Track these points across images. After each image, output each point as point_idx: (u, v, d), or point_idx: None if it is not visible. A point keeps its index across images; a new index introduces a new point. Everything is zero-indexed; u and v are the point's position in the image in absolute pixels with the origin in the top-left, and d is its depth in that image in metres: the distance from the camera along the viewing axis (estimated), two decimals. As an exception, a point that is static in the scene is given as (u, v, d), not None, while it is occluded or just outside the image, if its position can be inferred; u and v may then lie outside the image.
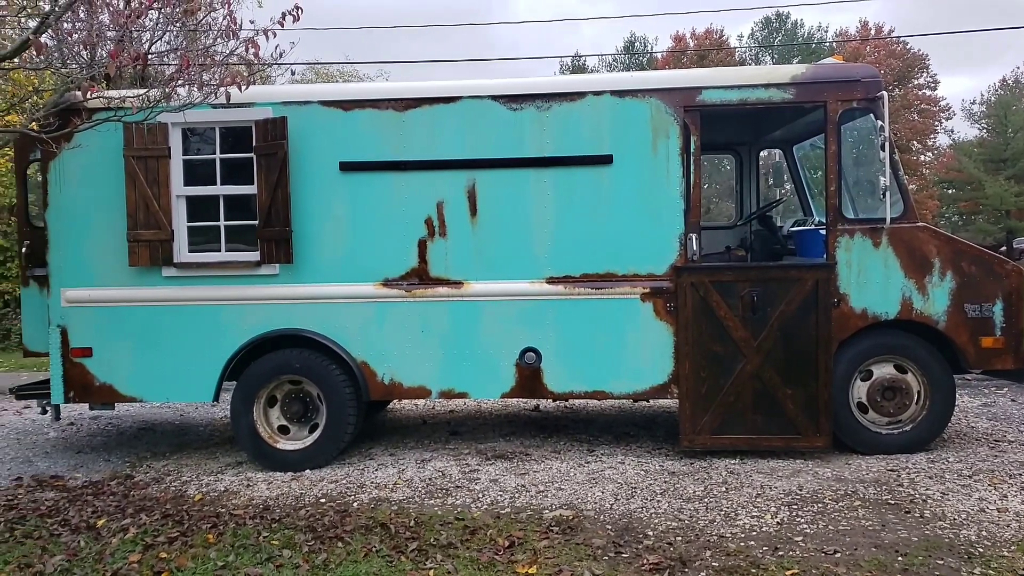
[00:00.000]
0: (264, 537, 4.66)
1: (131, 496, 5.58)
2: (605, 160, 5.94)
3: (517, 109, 5.98)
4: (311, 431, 6.23)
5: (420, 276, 6.07)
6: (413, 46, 54.97)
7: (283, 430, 6.27)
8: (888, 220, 5.83)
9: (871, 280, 5.88)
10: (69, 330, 6.18)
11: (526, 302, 6.02)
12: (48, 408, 6.55)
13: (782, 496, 5.15)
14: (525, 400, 8.52)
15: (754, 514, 4.84)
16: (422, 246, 6.05)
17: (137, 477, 6.10)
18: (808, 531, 4.56)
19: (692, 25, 44.06)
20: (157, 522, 4.97)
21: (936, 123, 40.26)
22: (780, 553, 4.25)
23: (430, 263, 6.06)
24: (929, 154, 40.94)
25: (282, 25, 5.49)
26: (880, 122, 5.79)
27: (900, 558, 4.15)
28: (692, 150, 5.92)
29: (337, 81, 26.12)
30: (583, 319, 5.99)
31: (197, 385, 6.16)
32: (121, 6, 6.05)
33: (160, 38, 5.55)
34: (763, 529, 4.60)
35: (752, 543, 4.40)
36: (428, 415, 8.24)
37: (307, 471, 6.06)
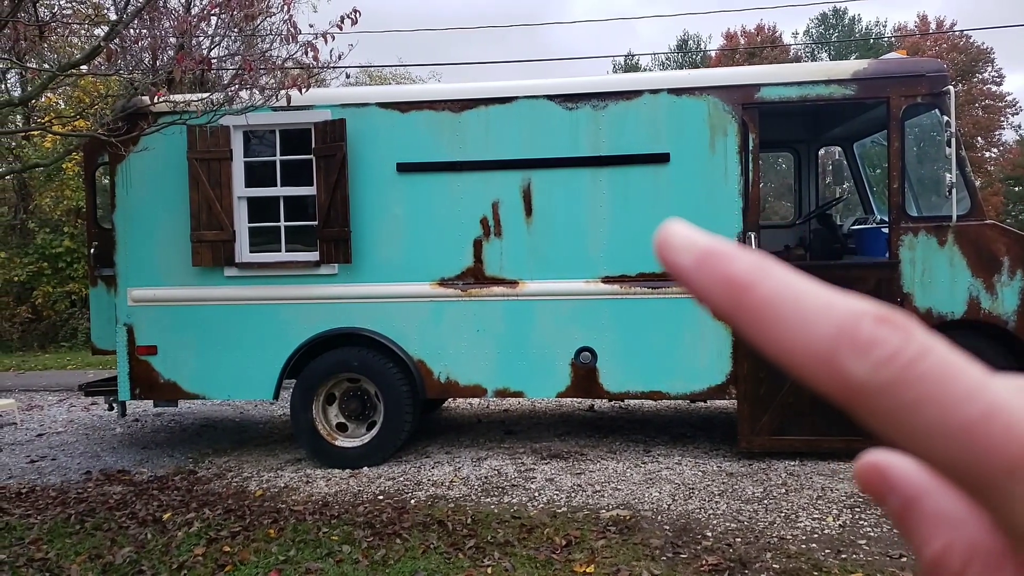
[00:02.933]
0: (324, 533, 4.73)
1: (194, 491, 5.71)
2: (662, 159, 5.90)
3: (573, 109, 5.97)
4: (369, 429, 6.31)
5: (475, 276, 6.10)
6: (467, 49, 55.25)
7: (341, 427, 6.35)
8: (954, 218, 5.67)
9: (936, 279, 5.74)
10: (135, 328, 6.35)
11: (581, 301, 6.00)
12: (115, 404, 6.74)
13: (844, 498, 5.06)
14: (579, 400, 8.50)
15: (815, 516, 4.77)
16: (477, 246, 6.08)
17: (200, 472, 6.24)
18: (872, 534, 4.47)
19: (743, 23, 43.46)
20: (220, 516, 5.08)
21: (1002, 119, 39.09)
22: (843, 556, 4.17)
23: (485, 263, 6.08)
24: (994, 150, 39.77)
25: (340, 28, 5.58)
26: (946, 117, 5.64)
27: (969, 564, 4.03)
28: (751, 148, 5.84)
29: (390, 84, 26.39)
30: (639, 319, 5.95)
31: (258, 383, 6.27)
32: (183, 13, 6.20)
33: (219, 43, 5.68)
34: (825, 531, 4.53)
35: (814, 545, 4.33)
36: (483, 414, 8.27)
37: (365, 468, 6.13)
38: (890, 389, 0.26)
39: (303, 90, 5.19)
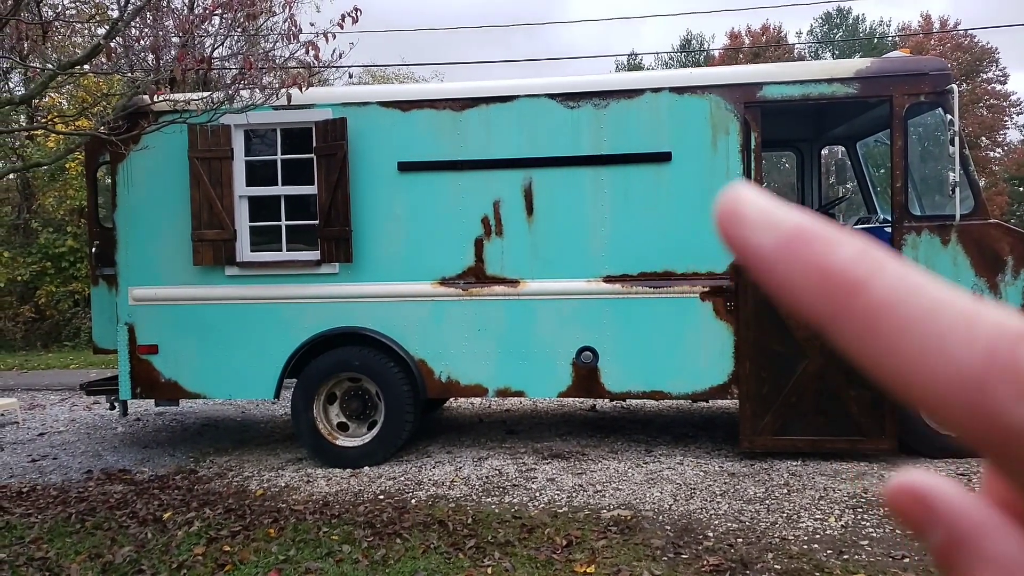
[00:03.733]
0: (324, 532, 4.72)
1: (195, 490, 5.71)
2: (664, 158, 5.88)
3: (574, 107, 5.95)
4: (370, 428, 6.30)
5: (477, 275, 6.08)
6: (471, 50, 55.22)
7: (342, 427, 6.34)
8: (957, 217, 5.65)
9: (939, 279, 5.69)
10: (136, 328, 6.35)
11: (583, 301, 5.99)
12: (116, 404, 6.73)
13: (846, 499, 5.03)
14: (581, 400, 8.48)
15: (817, 516, 4.74)
16: (479, 245, 6.07)
17: (201, 472, 6.24)
18: (874, 535, 4.44)
19: (748, 22, 43.41)
20: (220, 516, 5.07)
21: (1006, 118, 38.97)
22: (845, 557, 4.15)
23: (487, 262, 6.07)
24: (999, 150, 39.65)
25: (341, 27, 5.57)
26: (949, 116, 5.61)
27: (971, 565, 4.01)
28: (753, 147, 5.82)
29: (393, 83, 26.36)
30: (641, 318, 5.94)
31: (259, 382, 6.26)
32: (186, 12, 6.19)
33: (223, 43, 5.67)
34: (827, 532, 4.50)
35: (816, 546, 4.31)
36: (484, 414, 8.25)
37: (366, 468, 6.12)
38: None
39: (303, 88, 5.17)
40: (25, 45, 4.78)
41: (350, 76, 17.23)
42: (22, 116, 15.14)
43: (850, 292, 0.22)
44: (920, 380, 0.21)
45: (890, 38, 37.96)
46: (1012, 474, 0.22)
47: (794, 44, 41.05)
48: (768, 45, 38.41)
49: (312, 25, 5.82)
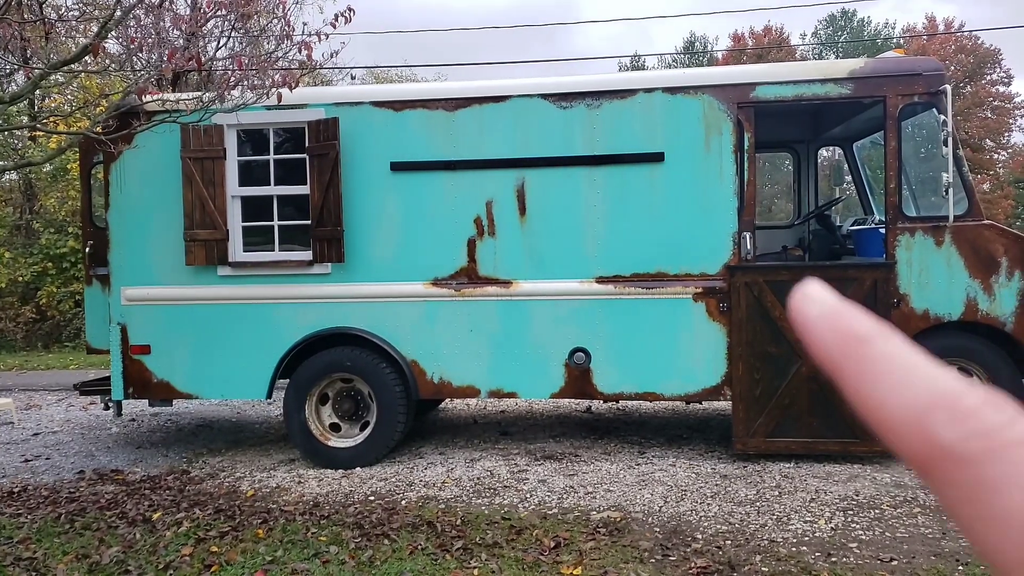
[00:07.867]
0: (312, 533, 4.70)
1: (186, 491, 5.69)
2: (657, 158, 5.86)
3: (567, 107, 5.93)
4: (362, 429, 6.28)
5: (469, 275, 6.07)
6: (484, 52, 55.21)
7: (334, 428, 6.33)
8: (951, 218, 5.62)
9: (933, 280, 5.67)
10: (128, 328, 6.34)
11: (575, 302, 5.96)
12: (111, 404, 6.73)
13: (837, 501, 5.00)
14: (577, 401, 8.45)
15: (807, 519, 4.71)
16: (471, 245, 6.05)
17: (193, 472, 6.23)
18: (864, 538, 4.41)
19: (751, 24, 43.35)
20: (210, 516, 5.06)
21: (1011, 121, 38.82)
22: (833, 559, 4.12)
23: (479, 262, 6.05)
24: (1003, 153, 39.49)
25: (334, 26, 5.56)
26: (943, 116, 5.58)
27: (960, 567, 3.98)
28: (746, 147, 5.80)
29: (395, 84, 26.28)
30: (633, 319, 5.91)
31: (251, 382, 6.25)
32: (186, 14, 6.19)
33: (224, 44, 5.66)
34: (816, 534, 4.48)
35: (804, 548, 4.28)
36: (479, 415, 8.23)
37: (357, 469, 6.10)
38: (976, 461, 0.26)
39: (292, 88, 5.17)
40: (28, 49, 4.78)
41: (352, 78, 17.24)
42: (24, 117, 15.17)
43: (859, 344, 0.30)
44: (885, 408, 0.29)
45: (894, 40, 37.87)
46: (945, 493, 0.27)
47: (797, 46, 40.97)
48: (771, 47, 38.33)
49: (304, 25, 5.81)
